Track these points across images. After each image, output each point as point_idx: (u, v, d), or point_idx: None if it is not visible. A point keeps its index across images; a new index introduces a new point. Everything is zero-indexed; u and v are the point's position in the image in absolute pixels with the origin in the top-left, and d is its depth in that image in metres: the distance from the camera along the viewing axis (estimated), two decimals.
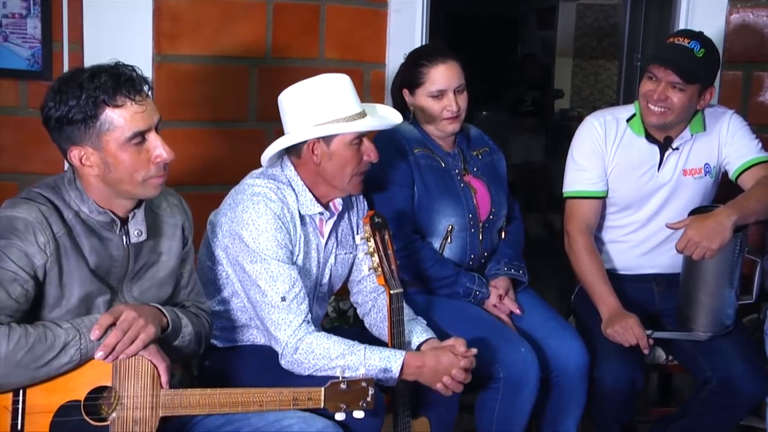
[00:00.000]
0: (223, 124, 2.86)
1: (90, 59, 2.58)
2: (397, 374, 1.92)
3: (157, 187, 1.71)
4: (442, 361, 1.95)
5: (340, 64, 2.88)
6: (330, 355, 1.92)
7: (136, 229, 1.75)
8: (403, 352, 1.95)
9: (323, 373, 1.91)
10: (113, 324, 1.65)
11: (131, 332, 1.65)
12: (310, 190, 2.07)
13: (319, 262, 2.11)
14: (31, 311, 1.65)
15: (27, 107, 2.69)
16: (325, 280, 2.15)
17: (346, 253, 2.18)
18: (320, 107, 2.00)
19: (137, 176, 1.67)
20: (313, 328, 1.98)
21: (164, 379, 1.69)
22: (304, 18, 2.89)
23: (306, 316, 1.97)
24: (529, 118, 6.30)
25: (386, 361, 1.92)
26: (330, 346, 1.93)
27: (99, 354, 1.64)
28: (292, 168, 2.08)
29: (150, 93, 1.68)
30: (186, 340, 1.81)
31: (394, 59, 2.85)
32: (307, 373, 1.94)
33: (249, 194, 2.01)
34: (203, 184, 2.69)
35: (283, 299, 1.95)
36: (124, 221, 1.74)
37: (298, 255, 2.04)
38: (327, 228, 2.12)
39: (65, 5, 2.67)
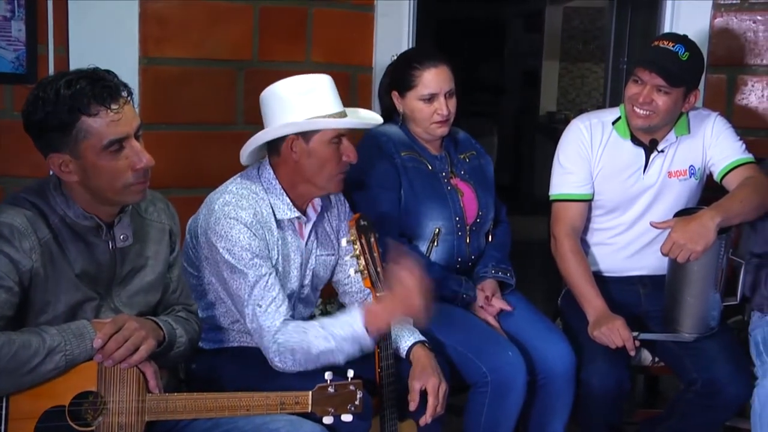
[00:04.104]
0: (210, 128, 2.85)
1: (75, 62, 2.57)
2: (363, 331, 1.91)
3: (138, 194, 1.70)
4: (397, 290, 1.91)
5: (327, 68, 2.86)
6: (304, 348, 1.91)
7: (122, 234, 1.74)
8: (359, 309, 1.95)
9: (311, 366, 1.92)
10: (116, 333, 1.65)
11: (133, 340, 1.65)
12: (287, 194, 2.06)
13: (300, 264, 2.10)
14: (18, 317, 1.64)
15: (12, 111, 2.68)
16: (307, 281, 2.14)
17: (327, 255, 2.18)
18: (300, 104, 1.99)
19: (117, 184, 1.65)
20: (287, 328, 1.96)
21: (152, 383, 1.69)
22: (291, 21, 2.89)
23: (284, 319, 1.96)
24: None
25: (349, 326, 1.91)
26: (300, 338, 1.92)
27: (98, 357, 1.64)
28: (270, 170, 2.07)
29: (130, 99, 1.66)
30: (181, 350, 1.82)
31: (381, 63, 2.86)
32: (298, 370, 1.93)
33: (220, 204, 2.00)
34: (190, 187, 2.68)
35: (260, 306, 1.95)
36: (110, 226, 1.73)
37: (276, 258, 2.03)
38: (306, 230, 2.12)
39: (50, 8, 2.65)
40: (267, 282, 1.97)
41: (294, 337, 1.93)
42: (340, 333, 1.91)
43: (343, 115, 2.04)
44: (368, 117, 2.19)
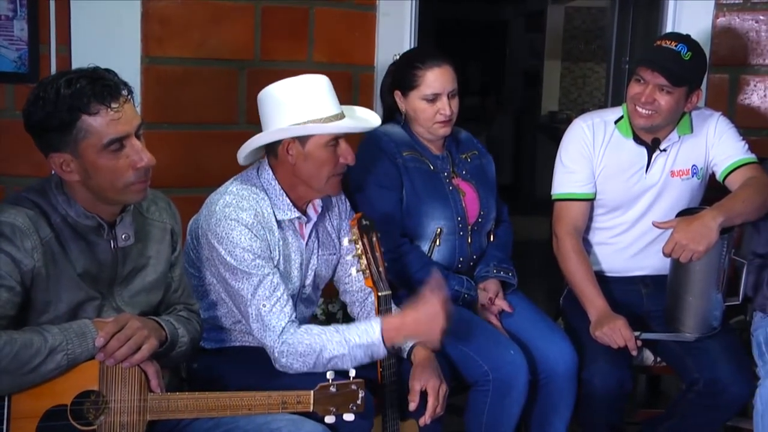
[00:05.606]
0: (212, 127, 2.85)
1: (78, 62, 2.57)
2: (380, 341, 1.91)
3: (139, 193, 1.70)
4: (423, 310, 1.92)
5: (329, 67, 2.88)
6: (314, 350, 1.91)
7: (124, 233, 1.74)
8: (379, 320, 1.94)
9: (318, 369, 1.91)
10: (118, 332, 1.65)
11: (135, 339, 1.65)
12: (287, 194, 2.06)
13: (301, 264, 2.10)
14: (20, 317, 1.64)
15: (14, 110, 2.68)
16: (309, 281, 2.14)
17: (329, 254, 2.17)
18: (296, 107, 1.98)
19: (118, 183, 1.65)
20: (295, 329, 1.97)
21: (154, 383, 1.69)
22: (293, 21, 2.89)
23: (290, 319, 1.96)
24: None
25: (366, 335, 1.91)
26: (311, 341, 1.92)
27: (100, 356, 1.64)
28: (269, 171, 2.07)
29: (130, 97, 1.66)
30: (183, 349, 1.82)
31: (383, 62, 2.85)
32: (304, 371, 1.93)
33: (221, 205, 1.99)
34: (191, 187, 2.68)
35: (264, 306, 1.95)
36: (112, 225, 1.73)
37: (278, 259, 2.03)
38: (307, 230, 2.12)
39: (52, 7, 2.65)
40: (271, 281, 1.96)
41: (305, 339, 1.93)
42: (356, 341, 1.91)
43: (340, 116, 2.03)
44: (365, 118, 2.17)
